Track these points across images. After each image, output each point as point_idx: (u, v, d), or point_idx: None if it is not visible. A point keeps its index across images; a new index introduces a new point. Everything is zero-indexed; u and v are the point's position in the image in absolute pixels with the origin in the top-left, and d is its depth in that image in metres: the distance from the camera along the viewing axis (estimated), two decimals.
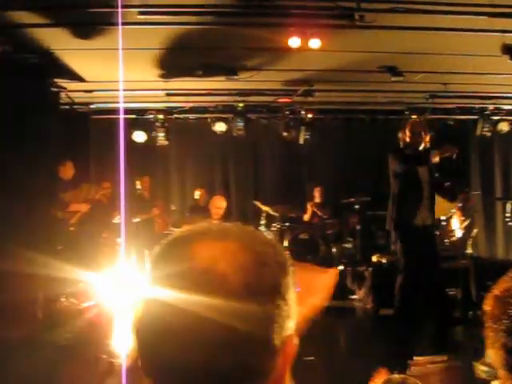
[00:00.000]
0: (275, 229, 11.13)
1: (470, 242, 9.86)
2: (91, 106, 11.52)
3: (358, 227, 11.17)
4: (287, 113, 11.90)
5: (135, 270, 10.14)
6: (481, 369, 4.14)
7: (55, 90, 9.52)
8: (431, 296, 7.28)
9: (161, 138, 11.77)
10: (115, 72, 8.15)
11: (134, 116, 11.79)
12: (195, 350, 0.89)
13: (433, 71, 9.29)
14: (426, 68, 9.13)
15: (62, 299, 8.71)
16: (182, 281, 0.92)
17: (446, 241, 9.69)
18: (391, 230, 7.49)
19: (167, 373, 0.93)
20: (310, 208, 11.93)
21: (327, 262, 10.37)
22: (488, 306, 1.53)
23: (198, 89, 10.56)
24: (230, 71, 9.13)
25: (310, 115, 11.86)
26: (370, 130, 12.24)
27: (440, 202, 9.24)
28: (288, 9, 6.89)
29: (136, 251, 10.80)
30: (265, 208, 11.21)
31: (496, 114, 11.97)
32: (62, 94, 10.13)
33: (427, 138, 7.27)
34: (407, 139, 7.22)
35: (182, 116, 12.17)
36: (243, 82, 9.59)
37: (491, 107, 11.79)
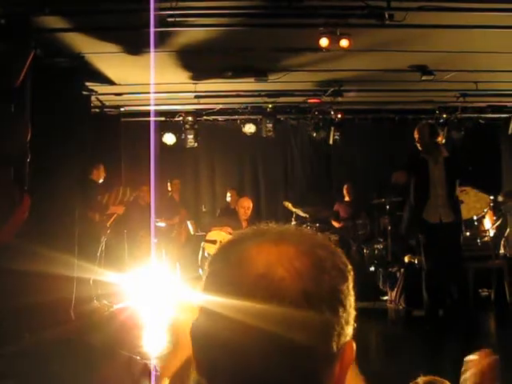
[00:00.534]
0: None
1: (502, 242, 9.73)
2: (121, 109, 11.60)
3: (389, 228, 11.08)
4: (316, 113, 11.86)
5: (166, 272, 10.20)
6: None
7: (86, 93, 9.61)
8: (457, 294, 7.23)
9: (190, 140, 11.81)
10: (145, 75, 8.23)
11: (163, 118, 11.85)
12: (252, 357, 0.87)
13: (464, 70, 9.19)
14: (456, 66, 9.04)
15: (95, 301, 8.79)
16: (238, 286, 0.90)
17: (478, 241, 9.57)
18: (403, 231, 7.59)
19: (222, 379, 0.90)
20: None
21: (358, 264, 10.33)
22: None
23: (227, 90, 10.59)
24: (259, 73, 9.14)
25: (339, 115, 11.81)
26: (400, 129, 12.15)
27: (472, 202, 9.16)
28: (317, 9, 6.87)
29: (166, 253, 10.90)
30: (295, 209, 11.18)
31: None
32: (93, 98, 10.23)
33: (438, 139, 7.32)
34: (416, 143, 7.34)
35: (211, 118, 12.21)
36: (272, 83, 9.58)
37: None
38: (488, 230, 9.82)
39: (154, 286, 9.14)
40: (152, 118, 10.63)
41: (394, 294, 9.30)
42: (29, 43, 6.71)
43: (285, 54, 8.49)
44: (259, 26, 7.33)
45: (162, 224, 10.97)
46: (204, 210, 12.46)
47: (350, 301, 0.95)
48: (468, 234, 9.30)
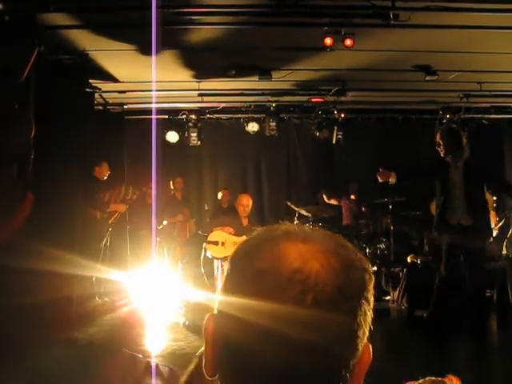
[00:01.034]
0: None
1: (505, 243, 9.72)
2: (125, 107, 11.60)
3: (392, 228, 11.07)
4: (320, 113, 11.86)
5: (168, 270, 10.20)
6: None
7: (90, 90, 9.61)
8: (467, 297, 7.21)
9: (193, 138, 11.81)
10: (149, 72, 8.22)
11: (166, 116, 11.85)
12: (280, 351, 0.85)
13: (467, 70, 9.17)
14: (460, 67, 9.02)
15: (97, 298, 8.80)
16: (272, 280, 0.87)
17: None
18: (433, 232, 7.64)
19: (245, 376, 0.89)
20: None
21: None
22: None
23: (230, 89, 10.58)
24: (263, 71, 9.13)
25: (342, 115, 11.80)
26: (403, 129, 12.14)
27: None
28: (323, 8, 6.87)
29: (169, 251, 10.90)
30: (297, 208, 11.18)
31: None
32: (96, 95, 10.23)
33: (460, 142, 7.32)
34: (437, 146, 7.38)
35: (214, 116, 12.21)
36: (276, 81, 9.58)
37: None
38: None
39: (156, 284, 9.14)
40: (154, 116, 10.62)
41: (396, 293, 9.30)
42: (33, 40, 6.70)
43: (289, 53, 8.49)
44: (264, 25, 7.32)
45: (164, 222, 10.96)
46: (207, 208, 12.45)
47: (373, 300, 0.95)
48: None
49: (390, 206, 11.05)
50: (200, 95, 10.71)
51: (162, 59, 8.08)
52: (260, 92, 10.85)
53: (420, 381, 2.26)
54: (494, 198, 9.83)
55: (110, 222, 9.49)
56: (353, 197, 11.98)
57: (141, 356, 5.85)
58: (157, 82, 9.47)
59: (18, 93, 6.61)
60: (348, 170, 12.70)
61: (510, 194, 7.79)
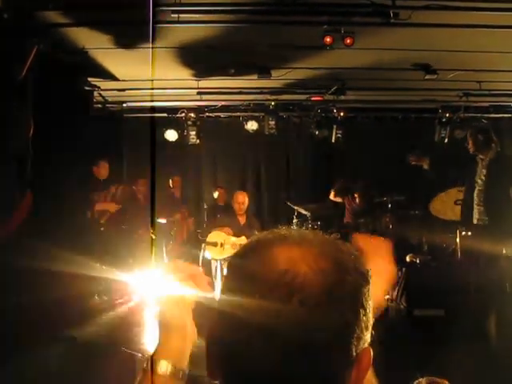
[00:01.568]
0: (307, 228, 11.09)
1: None
2: (124, 105, 11.57)
3: (391, 226, 11.07)
4: (319, 111, 11.85)
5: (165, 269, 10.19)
6: None
7: (89, 88, 9.58)
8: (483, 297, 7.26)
9: (192, 136, 11.79)
10: (148, 71, 8.20)
11: (165, 115, 11.83)
12: (271, 354, 0.86)
13: (467, 69, 9.17)
14: (460, 66, 9.01)
15: (96, 297, 8.79)
16: (260, 282, 0.89)
17: None
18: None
19: (239, 378, 0.90)
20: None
21: None
22: None
23: (229, 87, 10.57)
24: (262, 70, 9.11)
25: (341, 114, 11.79)
26: (403, 128, 12.13)
27: None
28: (322, 7, 6.85)
29: (167, 250, 10.89)
30: (296, 207, 11.18)
31: None
32: (95, 93, 10.20)
33: (489, 142, 7.41)
34: (467, 144, 7.51)
35: (213, 115, 12.19)
36: (275, 80, 9.56)
37: None
38: None
39: (154, 284, 9.13)
40: (152, 114, 10.61)
41: (395, 293, 9.29)
42: (32, 38, 6.69)
43: (288, 52, 8.47)
44: (263, 23, 7.30)
45: (162, 221, 10.95)
46: (205, 207, 12.45)
47: (370, 305, 0.94)
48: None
49: (390, 205, 11.04)
50: (199, 93, 10.70)
51: (161, 57, 8.07)
52: (259, 90, 10.83)
53: (420, 380, 2.25)
54: None
55: (101, 221, 9.48)
56: (356, 195, 11.97)
57: (140, 355, 5.85)
58: (156, 80, 9.47)
59: (17, 91, 6.59)
60: (347, 168, 12.69)
61: None
